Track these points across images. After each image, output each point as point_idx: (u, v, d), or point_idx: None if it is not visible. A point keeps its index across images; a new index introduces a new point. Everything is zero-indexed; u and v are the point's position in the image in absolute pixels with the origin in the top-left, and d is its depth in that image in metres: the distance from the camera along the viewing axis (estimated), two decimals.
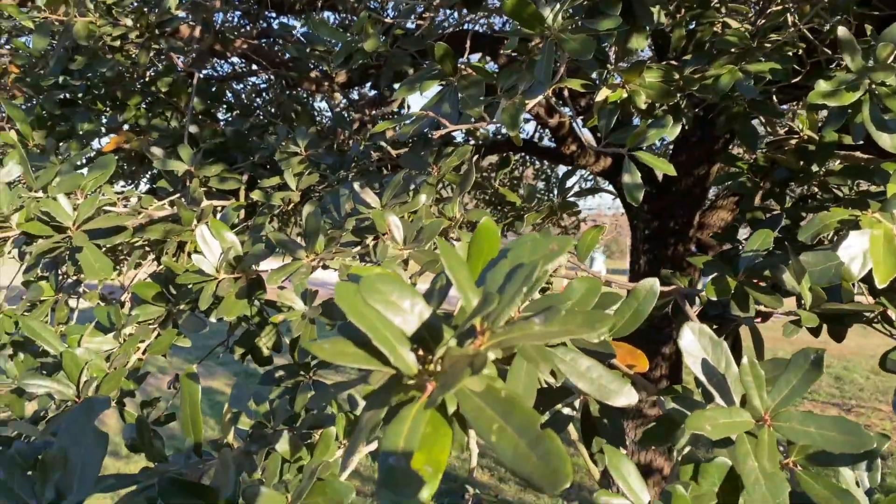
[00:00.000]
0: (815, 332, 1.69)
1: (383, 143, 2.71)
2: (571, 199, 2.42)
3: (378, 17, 2.14)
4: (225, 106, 3.87)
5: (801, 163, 2.16)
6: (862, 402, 9.93)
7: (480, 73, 1.67)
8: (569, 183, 2.45)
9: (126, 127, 3.11)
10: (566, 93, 1.93)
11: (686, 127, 2.02)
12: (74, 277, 2.22)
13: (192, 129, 2.78)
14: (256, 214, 2.39)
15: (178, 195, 2.38)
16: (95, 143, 3.27)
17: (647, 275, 1.66)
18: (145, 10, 2.76)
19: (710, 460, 1.09)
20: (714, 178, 3.64)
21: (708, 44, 1.96)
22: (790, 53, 1.93)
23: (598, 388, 1.09)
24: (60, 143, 2.87)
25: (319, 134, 3.09)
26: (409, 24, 2.44)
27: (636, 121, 2.09)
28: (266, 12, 4.16)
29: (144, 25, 2.71)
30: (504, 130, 7.74)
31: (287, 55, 3.45)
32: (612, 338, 1.34)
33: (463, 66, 1.76)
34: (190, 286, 1.76)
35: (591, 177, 7.46)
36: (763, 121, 2.58)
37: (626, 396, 1.08)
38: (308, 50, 3.10)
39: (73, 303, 2.30)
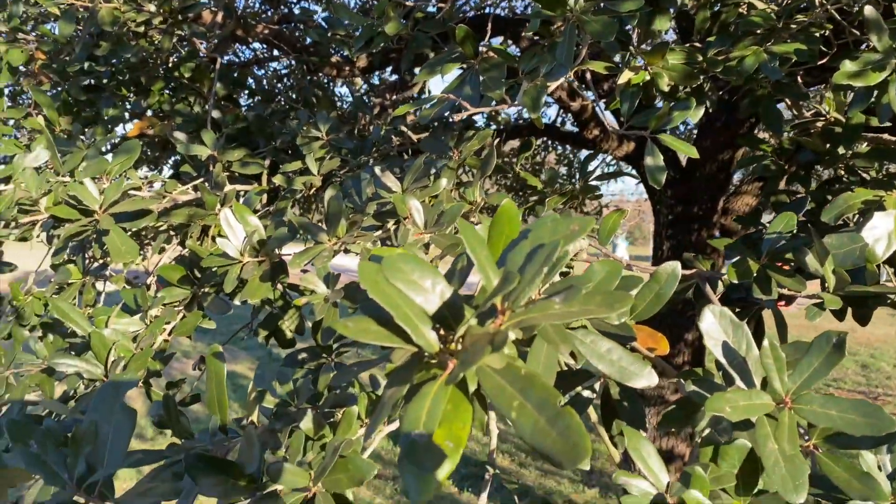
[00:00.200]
0: (840, 315, 1.68)
1: (404, 128, 2.71)
2: (594, 183, 2.41)
3: (399, 1, 2.14)
4: (247, 91, 3.89)
5: (828, 145, 2.13)
6: (889, 390, 9.81)
7: (502, 55, 1.67)
8: (590, 167, 2.44)
9: (150, 112, 3.14)
10: (588, 76, 1.92)
11: (710, 110, 2.00)
12: (101, 261, 2.26)
13: (215, 114, 2.80)
14: (278, 199, 2.41)
15: (201, 180, 2.40)
16: (120, 129, 3.31)
17: (671, 260, 1.65)
18: None
19: (730, 442, 1.09)
20: (738, 161, 3.60)
21: (732, 25, 1.94)
22: (816, 34, 1.90)
23: (619, 369, 1.10)
24: (86, 129, 2.91)
25: (340, 119, 3.10)
26: (430, 8, 2.43)
27: (659, 104, 2.07)
28: None
29: (168, 11, 2.73)
30: (525, 114, 7.70)
31: (308, 40, 3.45)
32: (634, 321, 1.34)
33: (484, 50, 1.76)
34: (214, 269, 1.78)
35: (613, 162, 7.41)
36: (789, 103, 2.55)
37: (646, 378, 1.08)
38: (329, 34, 3.10)
39: (99, 286, 2.34)
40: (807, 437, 1.12)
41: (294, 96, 4.30)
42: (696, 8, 1.98)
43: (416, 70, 3.11)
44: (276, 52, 4.44)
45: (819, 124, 2.22)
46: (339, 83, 5.11)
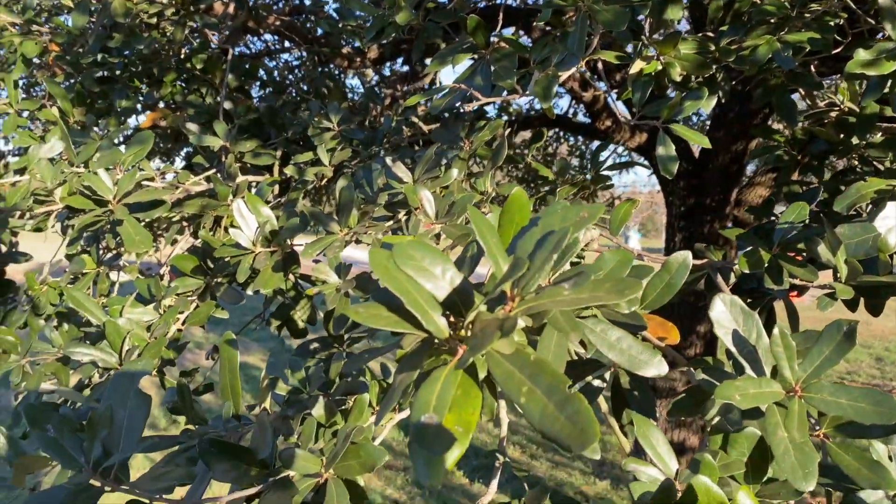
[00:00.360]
0: (852, 306, 1.67)
1: (415, 119, 2.72)
2: (605, 173, 2.41)
3: None
4: (258, 83, 3.91)
5: (841, 136, 2.12)
6: None
7: (513, 45, 1.67)
8: (602, 157, 2.43)
9: (162, 104, 3.16)
10: (599, 66, 1.92)
11: (723, 101, 1.98)
12: (115, 251, 2.28)
13: (227, 105, 2.82)
14: (290, 190, 2.42)
15: (213, 171, 2.42)
16: (133, 121, 3.33)
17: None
18: None
19: (739, 431, 1.10)
20: (751, 152, 3.58)
21: (746, 14, 1.93)
22: (831, 23, 1.89)
23: (628, 358, 1.10)
24: (99, 120, 2.93)
25: (352, 110, 3.11)
26: None
27: (672, 94, 2.06)
28: None
29: (179, 2, 2.74)
30: (537, 105, 7.67)
31: (319, 31, 3.46)
32: (645, 311, 1.35)
33: (496, 40, 1.76)
34: (227, 259, 1.80)
35: (626, 153, 7.39)
36: (802, 93, 2.53)
37: (655, 367, 1.08)
38: (340, 25, 3.10)
39: (113, 276, 2.37)
40: (817, 427, 1.12)
41: (305, 87, 4.31)
42: None
43: (427, 60, 3.11)
44: (287, 44, 4.45)
45: (833, 114, 2.21)
46: (351, 74, 5.12)
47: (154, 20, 2.80)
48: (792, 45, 1.73)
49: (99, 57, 2.92)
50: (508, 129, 3.93)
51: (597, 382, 1.53)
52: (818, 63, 2.47)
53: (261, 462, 1.12)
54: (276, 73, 4.96)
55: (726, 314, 1.11)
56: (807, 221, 1.56)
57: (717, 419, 1.14)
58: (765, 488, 1.08)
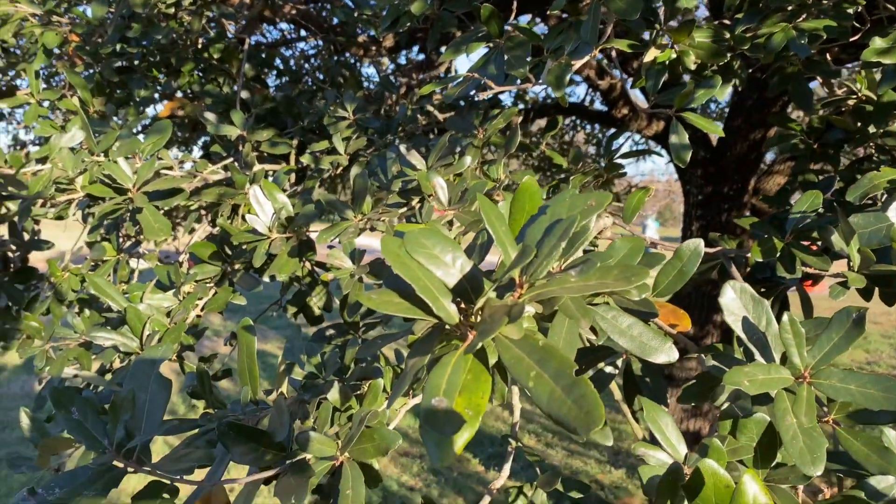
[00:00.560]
0: (867, 295, 1.67)
1: (430, 108, 2.73)
2: (619, 161, 2.41)
3: None
4: (275, 72, 3.93)
5: (858, 124, 2.10)
6: None
7: (526, 34, 1.67)
8: (620, 147, 2.43)
9: (180, 93, 3.19)
10: (613, 54, 1.92)
11: (739, 88, 1.97)
12: (134, 238, 2.32)
13: (244, 94, 2.84)
14: (306, 178, 2.45)
15: (231, 159, 2.45)
16: (151, 110, 3.36)
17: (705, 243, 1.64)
18: None
19: (748, 416, 1.11)
20: (767, 141, 3.55)
21: (762, 1, 1.92)
22: (848, 10, 1.87)
23: (639, 345, 1.11)
24: (119, 109, 2.97)
25: (367, 99, 3.12)
26: None
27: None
28: None
29: None
30: (553, 93, 7.62)
31: (335, 20, 3.47)
32: (657, 298, 1.36)
33: (510, 28, 1.76)
34: (244, 246, 1.83)
35: (643, 141, 7.35)
36: (821, 81, 2.51)
37: (666, 354, 1.10)
38: (355, 14, 3.11)
39: (133, 263, 2.41)
40: (826, 412, 1.12)
41: (321, 77, 4.33)
42: None
43: (443, 49, 3.11)
44: (303, 33, 4.47)
45: (851, 102, 2.19)
46: (367, 63, 5.14)
47: (172, 10, 2.83)
48: (808, 33, 1.72)
49: (118, 47, 2.95)
50: (521, 118, 3.93)
51: (609, 369, 1.55)
52: (838, 50, 2.45)
53: (278, 445, 1.14)
54: (292, 62, 4.98)
55: (736, 301, 1.11)
56: (820, 210, 1.56)
57: (726, 405, 1.15)
58: (773, 473, 1.09)
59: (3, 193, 1.94)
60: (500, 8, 1.80)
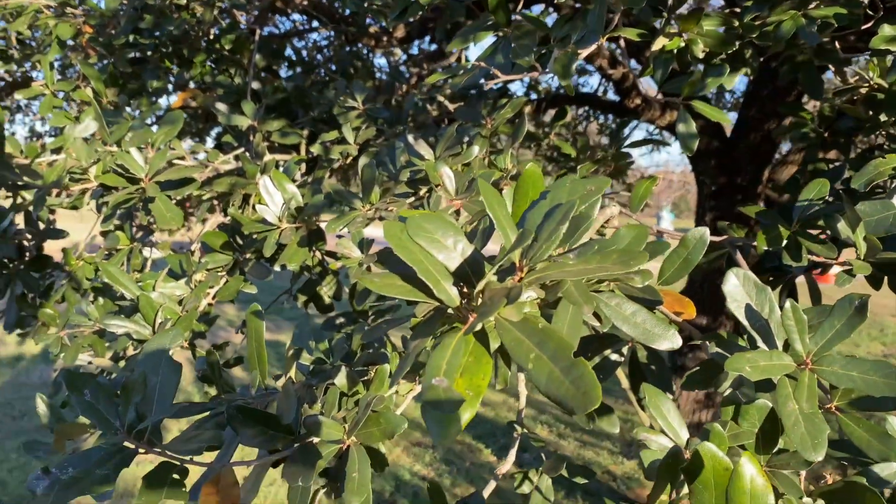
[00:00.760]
0: (876, 284, 1.67)
1: (441, 98, 2.73)
2: (631, 151, 2.41)
3: None
4: (287, 63, 3.95)
5: (870, 112, 2.09)
6: None
7: (533, 23, 1.67)
8: (634, 137, 2.43)
9: (192, 84, 3.21)
10: (622, 43, 1.92)
11: (749, 77, 1.96)
12: (147, 226, 2.35)
13: (255, 85, 2.86)
14: (317, 168, 2.47)
15: (242, 149, 2.47)
16: (164, 101, 3.39)
17: (713, 232, 1.64)
18: None
19: (750, 402, 1.12)
20: (775, 130, 3.53)
21: None
22: None
23: (643, 331, 1.12)
24: (132, 100, 3.00)
25: (378, 89, 3.14)
26: None
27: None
28: None
29: None
30: (559, 82, 7.59)
31: (346, 10, 3.48)
32: (663, 286, 1.36)
33: (519, 17, 1.76)
34: (255, 236, 1.85)
35: (657, 131, 7.31)
36: (833, 69, 2.49)
37: (669, 340, 1.11)
38: (366, 4, 3.12)
39: (146, 252, 2.44)
40: (829, 399, 1.13)
41: (334, 67, 4.34)
42: None
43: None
44: (315, 24, 4.48)
45: (863, 90, 2.18)
46: (379, 54, 5.15)
47: (184, 1, 2.85)
48: (817, 21, 1.71)
49: (131, 38, 2.98)
50: (529, 108, 3.92)
51: (615, 357, 1.56)
52: (855, 38, 2.43)
53: (286, 428, 1.16)
54: (304, 53, 5.00)
55: (739, 288, 1.12)
56: (828, 198, 1.56)
57: (728, 392, 1.16)
58: (775, 459, 1.10)
59: (19, 183, 1.98)
60: None
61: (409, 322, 0.93)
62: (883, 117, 2.03)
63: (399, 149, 1.83)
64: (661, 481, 0.92)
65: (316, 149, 2.39)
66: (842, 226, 1.40)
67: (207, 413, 1.20)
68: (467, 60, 2.43)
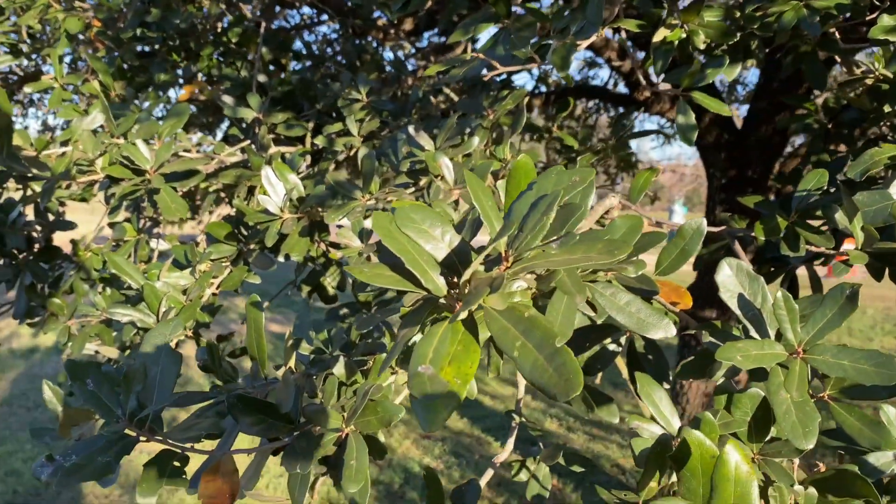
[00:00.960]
0: (877, 275, 1.67)
1: (448, 89, 2.74)
2: (642, 145, 2.40)
3: None
4: (296, 56, 3.96)
5: (875, 103, 2.08)
6: None
7: (533, 14, 1.68)
8: (638, 126, 2.43)
9: (201, 77, 3.24)
10: (623, 34, 1.92)
11: (749, 68, 1.95)
12: (154, 217, 2.38)
13: (261, 78, 2.88)
14: (321, 160, 2.48)
15: (248, 142, 2.49)
16: (173, 95, 3.41)
17: (717, 224, 1.64)
18: None
19: (743, 391, 1.12)
20: (779, 121, 3.51)
21: None
22: None
23: (637, 321, 1.13)
24: (139, 93, 3.02)
25: (384, 81, 3.14)
26: None
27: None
28: None
29: None
30: (577, 75, 7.57)
31: (352, 3, 3.49)
32: (659, 276, 1.37)
33: (519, 9, 1.77)
34: (258, 226, 1.87)
35: (668, 124, 7.27)
36: (839, 60, 2.48)
37: (663, 329, 1.12)
38: None
39: (153, 244, 2.47)
40: (822, 388, 1.14)
41: (341, 60, 4.35)
42: None
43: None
44: (324, 17, 4.49)
45: (868, 81, 2.16)
46: (389, 46, 5.16)
47: None
48: (819, 12, 1.70)
49: (138, 32, 3.00)
50: (538, 100, 3.92)
51: (612, 347, 1.57)
52: (866, 30, 2.40)
53: (285, 417, 1.18)
54: (314, 46, 5.01)
55: (732, 278, 1.13)
56: (827, 189, 1.55)
57: (721, 380, 1.17)
58: (767, 447, 1.11)
59: (28, 175, 2.00)
60: None
61: (396, 305, 0.95)
62: (887, 108, 2.02)
63: (401, 140, 1.84)
64: (650, 469, 0.93)
65: (320, 141, 2.41)
66: (839, 216, 1.40)
67: (209, 402, 1.22)
68: (474, 51, 2.44)
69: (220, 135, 4.69)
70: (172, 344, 1.16)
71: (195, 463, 1.16)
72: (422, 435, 7.11)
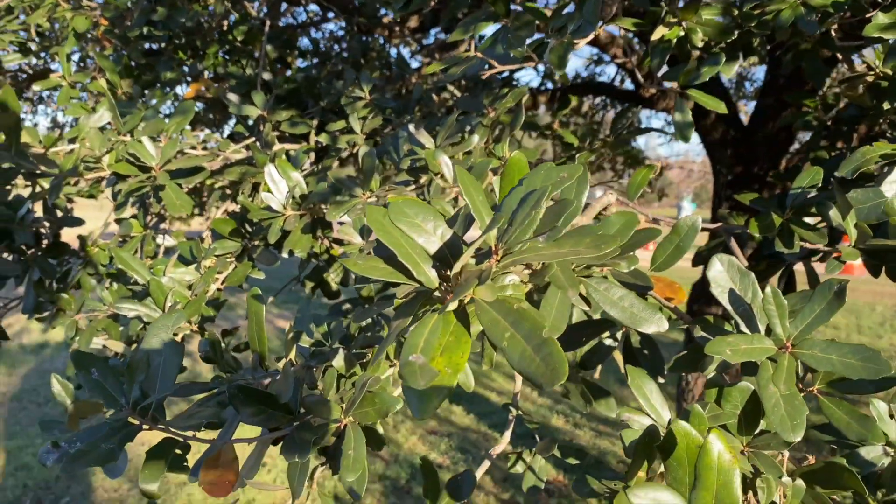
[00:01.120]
0: (874, 271, 1.68)
1: (451, 87, 2.76)
2: (650, 142, 2.42)
3: None
4: (302, 54, 3.99)
5: (874, 101, 2.09)
6: None
7: (532, 13, 1.70)
8: (645, 122, 2.44)
9: (207, 75, 3.27)
10: (622, 32, 1.93)
11: (745, 65, 1.96)
12: (159, 213, 2.41)
13: (266, 75, 2.91)
14: (325, 157, 2.51)
15: (252, 139, 2.52)
16: (179, 92, 3.44)
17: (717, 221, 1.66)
18: None
19: (733, 385, 1.14)
20: (782, 117, 3.51)
21: None
22: None
23: (630, 315, 1.15)
24: (145, 91, 3.06)
25: (389, 79, 3.17)
26: None
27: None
28: None
29: None
30: (583, 72, 7.57)
31: (356, 1, 3.51)
32: (654, 272, 1.39)
33: (518, 8, 1.78)
34: (263, 223, 1.90)
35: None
36: (841, 58, 2.48)
37: (656, 324, 1.14)
38: None
39: (160, 240, 2.50)
40: (811, 382, 1.16)
41: (349, 57, 4.38)
42: None
43: None
44: (329, 15, 4.51)
45: (869, 78, 2.17)
46: (398, 44, 5.18)
47: None
48: (817, 10, 1.72)
49: (145, 30, 3.04)
50: (544, 97, 3.93)
51: (609, 342, 1.59)
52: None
53: (284, 407, 1.21)
54: (321, 43, 5.03)
55: (723, 274, 1.15)
56: (825, 186, 1.57)
57: (712, 374, 1.19)
58: (756, 440, 1.13)
59: (37, 172, 2.04)
60: None
61: (391, 298, 0.98)
62: (886, 105, 2.02)
63: (402, 137, 1.86)
64: (638, 459, 0.95)
65: (323, 138, 2.43)
66: (834, 213, 1.42)
67: (211, 392, 1.25)
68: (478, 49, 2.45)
69: (227, 132, 4.73)
70: (178, 339, 1.19)
71: (198, 454, 1.19)
72: (428, 430, 7.14)
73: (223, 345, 1.42)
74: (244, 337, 2.63)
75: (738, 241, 1.58)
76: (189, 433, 1.13)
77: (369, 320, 1.79)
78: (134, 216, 2.47)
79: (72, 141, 2.27)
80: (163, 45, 3.15)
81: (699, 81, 1.61)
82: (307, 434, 1.17)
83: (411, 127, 1.73)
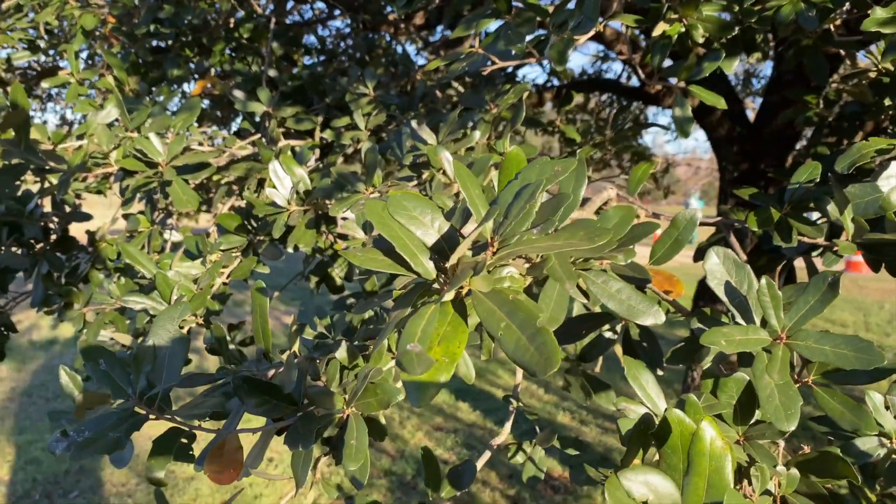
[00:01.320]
0: (874, 266, 1.69)
1: (456, 84, 2.78)
2: (653, 137, 2.43)
3: None
4: (308, 51, 4.01)
5: (876, 97, 2.10)
6: None
7: (533, 9, 1.71)
8: (652, 118, 2.45)
9: (213, 72, 3.30)
10: (624, 29, 1.95)
11: (748, 61, 1.97)
12: (166, 209, 2.44)
13: (272, 72, 2.93)
14: (330, 153, 2.53)
15: (258, 135, 2.54)
16: (187, 88, 3.47)
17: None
18: None
19: (729, 375, 1.16)
20: (783, 114, 3.51)
21: None
22: None
23: (627, 307, 1.17)
24: (153, 88, 3.09)
25: (394, 76, 3.19)
26: None
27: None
28: None
29: None
30: (589, 68, 7.57)
31: None
32: (653, 265, 1.41)
33: (520, 4, 1.80)
34: (267, 218, 1.92)
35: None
36: (844, 54, 2.49)
37: (653, 316, 1.15)
38: None
39: (167, 235, 2.53)
40: (806, 373, 1.17)
41: (355, 54, 4.40)
42: None
43: None
44: (336, 12, 4.54)
45: (872, 74, 2.18)
46: (403, 41, 5.19)
47: None
48: (816, 5, 1.73)
49: (152, 28, 3.06)
50: (550, 94, 3.94)
51: (608, 335, 1.61)
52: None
53: (288, 398, 1.23)
54: (327, 41, 5.06)
55: (719, 266, 1.16)
56: (824, 181, 1.58)
57: (707, 365, 1.20)
58: (751, 430, 1.15)
59: (45, 168, 2.07)
60: None
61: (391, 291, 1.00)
62: (887, 101, 2.03)
63: (405, 134, 1.88)
64: (634, 447, 0.97)
65: (328, 134, 2.45)
66: (831, 208, 1.43)
67: (216, 383, 1.28)
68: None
69: (233, 128, 4.76)
70: (184, 331, 1.21)
71: (204, 444, 1.21)
72: (434, 427, 7.17)
73: (229, 338, 1.45)
74: (250, 332, 2.66)
75: (739, 236, 1.59)
76: (194, 423, 1.16)
77: (371, 313, 1.81)
78: (141, 212, 2.50)
79: (80, 137, 2.30)
80: (170, 42, 3.17)
81: (700, 77, 1.63)
82: (310, 424, 1.20)
83: (414, 123, 1.75)
